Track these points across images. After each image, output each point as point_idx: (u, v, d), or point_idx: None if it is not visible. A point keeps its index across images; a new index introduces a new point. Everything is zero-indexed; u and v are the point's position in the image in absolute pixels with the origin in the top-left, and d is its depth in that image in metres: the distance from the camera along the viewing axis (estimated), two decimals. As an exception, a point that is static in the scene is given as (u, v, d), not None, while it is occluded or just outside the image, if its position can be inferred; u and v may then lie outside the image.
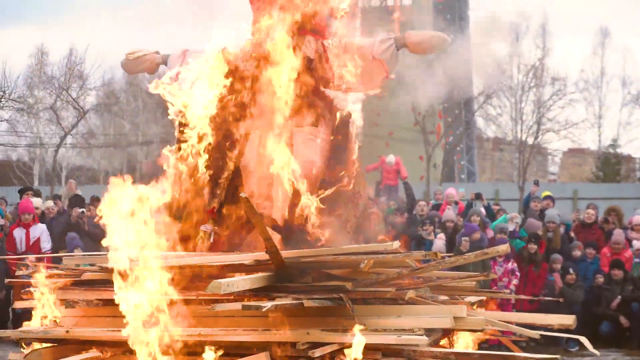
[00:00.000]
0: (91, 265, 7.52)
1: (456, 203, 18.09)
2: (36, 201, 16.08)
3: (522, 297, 11.82)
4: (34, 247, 14.51)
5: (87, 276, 7.08)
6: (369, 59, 7.55)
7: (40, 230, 14.76)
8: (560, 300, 11.60)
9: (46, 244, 14.64)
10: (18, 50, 62.30)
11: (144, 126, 47.73)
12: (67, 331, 6.92)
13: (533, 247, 15.14)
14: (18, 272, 8.32)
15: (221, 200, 7.40)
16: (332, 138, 7.79)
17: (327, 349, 6.29)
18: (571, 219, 17.58)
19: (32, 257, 8.87)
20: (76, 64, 33.94)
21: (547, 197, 18.24)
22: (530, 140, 37.10)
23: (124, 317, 6.44)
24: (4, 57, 34.90)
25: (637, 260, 15.65)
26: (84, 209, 15.39)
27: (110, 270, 6.79)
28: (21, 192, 17.25)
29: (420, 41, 7.61)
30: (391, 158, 21.99)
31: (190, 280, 6.62)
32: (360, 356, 6.12)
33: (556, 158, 54.36)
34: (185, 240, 7.35)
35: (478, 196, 18.43)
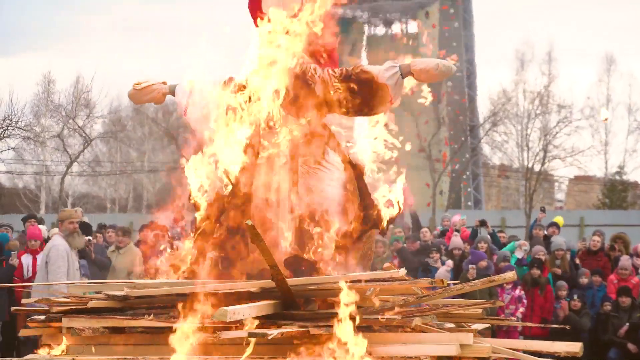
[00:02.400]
0: (97, 292, 7.52)
1: (457, 231, 18.09)
2: (42, 229, 16.09)
3: (529, 324, 11.81)
4: (40, 273, 14.49)
5: (93, 304, 7.09)
6: (374, 84, 7.57)
7: (47, 258, 14.73)
8: (567, 327, 11.57)
9: (53, 271, 14.61)
10: (25, 78, 62.70)
11: (150, 154, 47.89)
12: (73, 359, 6.91)
13: (536, 272, 15.16)
14: (24, 300, 8.32)
15: (227, 228, 7.41)
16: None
17: (334, 377, 6.28)
18: (577, 247, 17.57)
19: (39, 284, 8.89)
20: (83, 91, 34.11)
21: (552, 225, 18.25)
22: (537, 168, 37.16)
23: (129, 344, 6.45)
24: (10, 85, 35.14)
25: (644, 287, 15.63)
26: (90, 237, 15.38)
27: (116, 298, 6.82)
28: (24, 220, 17.28)
29: (425, 69, 7.61)
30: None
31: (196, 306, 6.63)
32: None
33: (562, 185, 54.41)
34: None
35: (483, 223, 18.44)
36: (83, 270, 14.17)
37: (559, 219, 19.47)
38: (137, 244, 15.93)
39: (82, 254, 14.85)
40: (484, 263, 14.80)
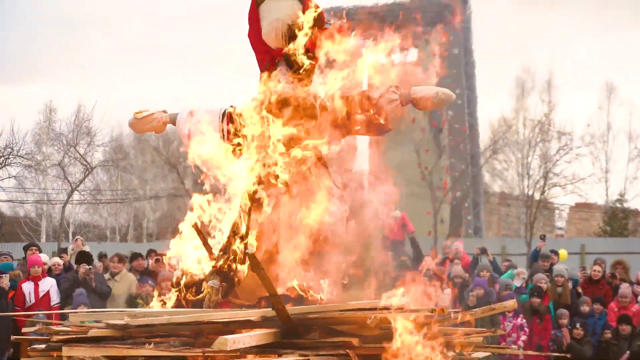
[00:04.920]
0: (97, 321, 7.51)
1: (452, 260, 18.04)
2: (43, 257, 16.08)
3: (530, 352, 11.76)
4: (43, 300, 14.44)
5: (93, 333, 7.08)
6: (373, 110, 7.60)
7: (49, 284, 14.72)
8: (568, 356, 11.55)
9: (56, 298, 14.61)
10: (26, 107, 62.86)
11: (151, 182, 47.90)
12: (73, 388, 6.89)
13: (536, 300, 15.11)
14: (25, 329, 8.31)
15: (229, 257, 7.42)
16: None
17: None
18: (578, 277, 17.54)
19: (39, 313, 8.87)
20: (84, 120, 34.18)
21: (551, 252, 18.22)
22: (537, 195, 37.14)
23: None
24: (12, 114, 35.28)
25: (645, 315, 15.58)
26: (91, 266, 15.37)
27: (116, 327, 6.81)
28: (25, 249, 17.27)
29: (425, 97, 7.63)
30: (397, 213, 21.98)
31: (196, 336, 6.62)
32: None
33: (563, 213, 54.36)
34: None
35: (483, 251, 18.40)
36: (82, 300, 14.13)
37: (563, 253, 19.41)
38: (131, 270, 15.98)
39: (83, 283, 14.85)
40: (479, 291, 14.70)
